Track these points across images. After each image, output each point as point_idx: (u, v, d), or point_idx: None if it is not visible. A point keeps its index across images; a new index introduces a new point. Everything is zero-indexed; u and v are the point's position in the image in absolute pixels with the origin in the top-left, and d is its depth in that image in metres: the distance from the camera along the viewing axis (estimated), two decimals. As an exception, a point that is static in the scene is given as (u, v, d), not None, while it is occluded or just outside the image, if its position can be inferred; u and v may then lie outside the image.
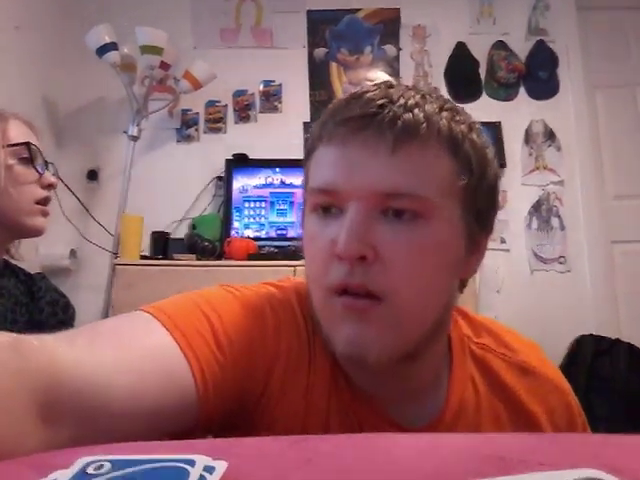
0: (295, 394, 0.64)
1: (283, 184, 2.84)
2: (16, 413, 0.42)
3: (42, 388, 0.44)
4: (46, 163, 1.25)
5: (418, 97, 0.61)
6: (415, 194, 0.58)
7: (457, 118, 0.62)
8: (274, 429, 0.62)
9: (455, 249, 0.62)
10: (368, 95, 0.61)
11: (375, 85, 0.64)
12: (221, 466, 0.36)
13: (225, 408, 0.60)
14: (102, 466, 0.35)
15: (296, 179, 2.83)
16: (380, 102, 0.59)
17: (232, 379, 0.60)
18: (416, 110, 0.59)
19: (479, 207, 0.63)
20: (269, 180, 2.84)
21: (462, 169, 0.61)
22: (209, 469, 0.35)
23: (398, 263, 0.58)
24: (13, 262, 1.23)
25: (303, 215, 0.67)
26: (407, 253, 0.58)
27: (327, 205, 0.61)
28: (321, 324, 0.63)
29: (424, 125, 0.58)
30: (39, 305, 1.18)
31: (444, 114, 0.61)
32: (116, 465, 0.35)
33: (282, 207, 2.81)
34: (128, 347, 0.54)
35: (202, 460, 0.36)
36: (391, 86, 0.63)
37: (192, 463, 0.36)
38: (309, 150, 0.66)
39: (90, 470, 0.35)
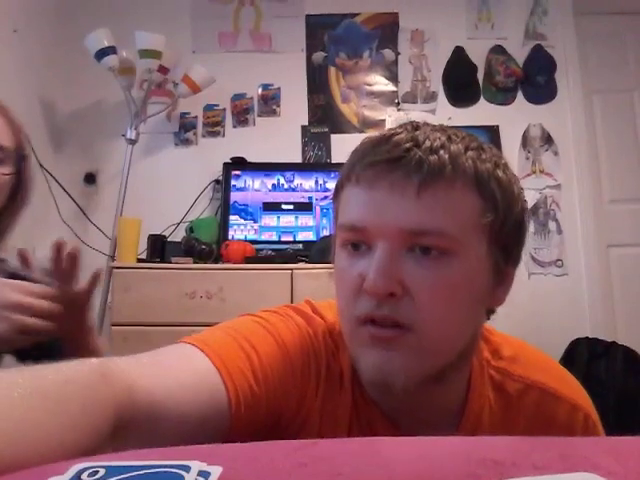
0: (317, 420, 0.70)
1: (281, 188, 2.84)
2: (98, 429, 0.48)
3: (120, 409, 0.51)
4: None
5: (444, 138, 0.63)
6: (441, 232, 0.61)
7: (483, 157, 0.64)
8: None
9: (481, 283, 0.65)
10: (395, 139, 0.63)
11: (401, 126, 0.67)
12: (216, 471, 0.36)
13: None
14: (97, 472, 0.35)
15: (294, 183, 2.84)
16: (406, 146, 0.61)
17: (264, 412, 0.66)
18: (441, 152, 0.61)
19: (505, 242, 0.66)
20: (267, 184, 2.85)
21: (488, 207, 0.63)
22: (204, 474, 0.35)
23: (426, 297, 0.61)
24: None
25: (334, 250, 0.70)
26: (434, 288, 0.61)
27: (356, 242, 0.65)
28: (350, 353, 0.67)
29: (450, 167, 0.61)
30: None
31: (469, 154, 0.63)
32: (111, 471, 0.35)
33: (280, 210, 2.81)
34: (185, 377, 0.61)
35: (197, 465, 0.36)
36: (417, 127, 0.66)
37: (187, 469, 0.36)
38: (337, 188, 0.71)
39: (85, 476, 0.35)
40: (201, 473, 0.35)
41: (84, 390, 0.48)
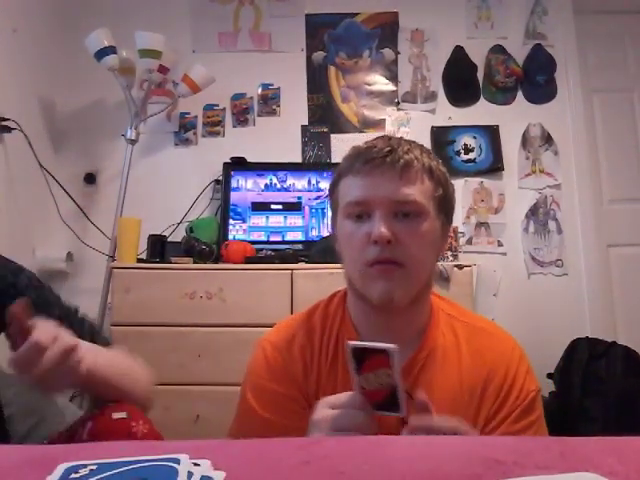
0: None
1: (281, 188, 2.84)
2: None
3: None
4: None
5: (408, 145, 0.99)
6: (415, 201, 0.96)
7: (431, 156, 1.02)
8: None
9: (436, 234, 1.00)
10: (380, 145, 0.98)
11: (378, 139, 1.01)
12: (219, 476, 0.36)
13: None
14: (86, 468, 0.35)
15: (294, 182, 2.83)
16: (389, 149, 0.97)
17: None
18: (409, 153, 0.97)
19: (446, 208, 1.03)
20: (267, 183, 2.85)
21: (436, 186, 1.00)
22: (205, 479, 0.35)
23: (409, 244, 0.95)
24: None
25: (335, 222, 1.06)
26: (413, 238, 0.95)
27: (359, 213, 0.97)
28: (357, 288, 1.00)
29: (415, 161, 0.97)
30: None
31: (424, 154, 1.00)
32: (100, 469, 0.35)
33: (280, 210, 2.81)
34: None
35: (186, 465, 0.36)
36: (390, 138, 1.01)
37: (177, 461, 0.36)
38: (337, 178, 1.04)
39: (74, 475, 0.35)
40: (203, 478, 0.35)
41: None
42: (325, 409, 0.79)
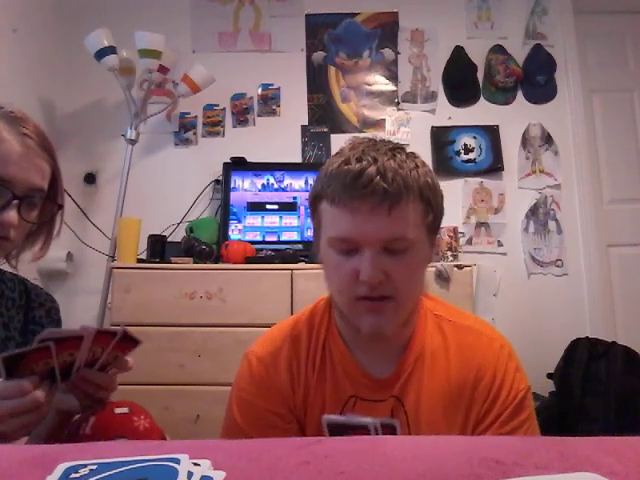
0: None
1: (278, 188, 2.84)
2: None
3: None
4: (20, 198, 0.97)
5: (395, 166, 0.88)
6: (404, 237, 0.89)
7: (420, 172, 0.92)
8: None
9: (426, 257, 0.97)
10: (367, 172, 0.87)
11: (362, 158, 0.89)
12: (219, 476, 0.36)
13: None
14: (86, 468, 0.35)
15: (291, 182, 2.83)
16: (376, 180, 0.86)
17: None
18: (398, 178, 0.87)
19: (436, 226, 0.97)
20: (264, 183, 2.84)
21: (427, 209, 0.92)
22: (205, 479, 0.35)
23: (399, 279, 0.90)
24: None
25: (318, 241, 0.99)
26: (403, 272, 0.90)
27: (346, 248, 0.91)
28: (347, 317, 0.97)
29: (404, 190, 0.88)
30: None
31: (413, 174, 0.90)
32: (100, 469, 0.35)
33: (275, 210, 2.81)
34: None
35: (186, 465, 0.36)
36: (375, 159, 0.88)
37: (177, 461, 0.36)
38: (318, 196, 0.95)
39: (74, 474, 0.35)
40: (203, 478, 0.35)
41: None
42: None
